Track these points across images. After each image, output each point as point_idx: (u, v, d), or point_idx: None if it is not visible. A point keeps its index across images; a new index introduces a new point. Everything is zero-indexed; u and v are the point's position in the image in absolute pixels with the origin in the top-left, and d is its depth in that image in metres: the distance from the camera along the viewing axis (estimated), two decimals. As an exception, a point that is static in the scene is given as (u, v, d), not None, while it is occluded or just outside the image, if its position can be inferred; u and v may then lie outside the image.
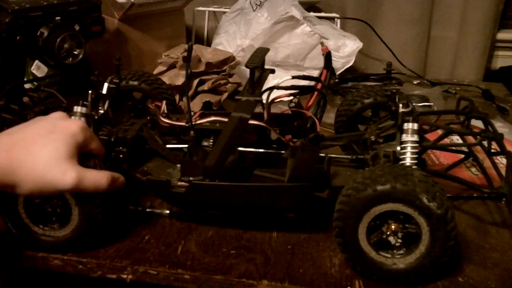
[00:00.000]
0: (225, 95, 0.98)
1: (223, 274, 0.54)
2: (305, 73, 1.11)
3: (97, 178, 0.53)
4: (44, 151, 0.51)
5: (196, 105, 0.94)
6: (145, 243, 0.59)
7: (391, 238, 0.52)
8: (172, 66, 1.01)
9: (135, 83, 0.76)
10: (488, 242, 0.59)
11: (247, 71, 0.57)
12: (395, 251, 0.52)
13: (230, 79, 1.00)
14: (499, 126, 0.87)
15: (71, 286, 0.65)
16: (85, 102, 0.63)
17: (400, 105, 0.60)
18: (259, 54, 0.63)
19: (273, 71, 0.67)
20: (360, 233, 0.51)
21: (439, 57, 1.33)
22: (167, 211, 0.64)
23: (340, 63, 1.12)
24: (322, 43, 0.73)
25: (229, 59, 1.01)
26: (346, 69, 1.13)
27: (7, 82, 0.84)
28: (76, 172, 0.51)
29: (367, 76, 1.22)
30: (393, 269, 0.52)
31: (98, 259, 0.56)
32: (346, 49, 1.12)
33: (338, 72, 1.12)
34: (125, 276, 0.55)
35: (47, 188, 0.51)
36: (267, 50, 0.66)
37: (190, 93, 0.96)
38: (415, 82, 1.22)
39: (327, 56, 0.69)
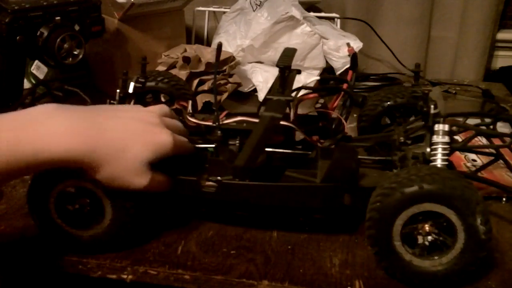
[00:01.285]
0: (225, 95, 0.98)
1: (223, 274, 0.54)
2: (305, 73, 1.11)
3: (162, 181, 0.56)
4: (133, 150, 0.52)
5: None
6: (145, 243, 0.59)
7: (419, 237, 0.51)
8: (172, 66, 1.00)
9: (171, 89, 0.75)
10: (488, 242, 0.59)
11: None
12: (418, 250, 0.51)
13: (230, 79, 1.00)
14: (499, 126, 0.87)
15: (71, 286, 0.65)
16: (112, 101, 0.64)
17: (432, 106, 0.60)
18: (289, 54, 0.62)
19: (299, 72, 0.67)
20: (400, 218, 0.50)
21: (439, 57, 1.33)
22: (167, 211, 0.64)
23: (340, 63, 1.11)
24: (348, 44, 0.73)
25: (229, 59, 1.01)
26: (346, 69, 1.13)
27: (7, 82, 0.84)
28: (150, 178, 0.54)
29: (367, 76, 1.22)
30: (405, 265, 0.51)
31: (98, 259, 0.56)
32: (346, 49, 1.12)
33: (338, 72, 1.12)
34: (125, 276, 0.55)
35: (119, 182, 0.53)
36: (295, 50, 0.66)
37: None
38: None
39: (353, 57, 0.68)
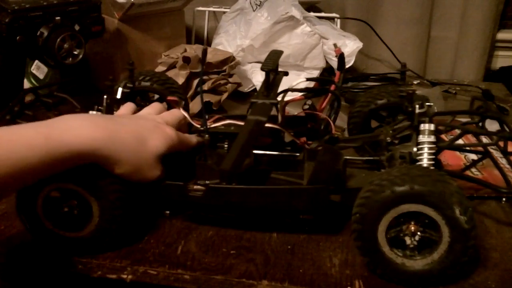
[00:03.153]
0: (225, 95, 0.98)
1: (223, 274, 0.54)
2: (305, 73, 1.11)
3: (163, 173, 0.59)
4: (150, 143, 0.56)
5: (196, 105, 0.94)
6: (145, 243, 0.59)
7: (407, 238, 0.51)
8: (172, 66, 1.01)
9: (159, 87, 0.75)
10: (488, 242, 0.59)
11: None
12: (407, 251, 0.52)
13: (230, 79, 1.00)
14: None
15: (71, 286, 0.65)
16: (100, 107, 0.64)
17: (417, 105, 0.60)
18: (273, 57, 0.63)
19: (286, 74, 0.67)
20: (381, 224, 0.51)
21: (439, 57, 1.33)
22: (167, 211, 0.64)
23: (340, 63, 1.12)
24: (335, 45, 0.73)
25: (229, 59, 1.01)
26: (346, 69, 1.13)
27: (7, 82, 0.84)
28: (161, 171, 0.58)
29: (367, 76, 1.22)
30: (400, 268, 0.51)
31: (98, 259, 0.56)
32: (346, 49, 1.12)
33: (338, 72, 1.12)
34: (125, 276, 0.55)
35: (138, 175, 0.56)
36: (281, 52, 0.66)
37: (190, 93, 0.96)
38: (415, 82, 1.22)
39: (340, 58, 0.68)
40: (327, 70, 1.14)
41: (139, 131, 0.57)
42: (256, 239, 0.60)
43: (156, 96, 0.76)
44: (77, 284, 0.61)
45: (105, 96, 0.65)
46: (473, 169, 0.74)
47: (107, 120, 0.56)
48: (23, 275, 0.58)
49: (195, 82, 0.96)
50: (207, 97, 0.95)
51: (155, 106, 0.66)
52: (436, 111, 0.81)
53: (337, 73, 0.68)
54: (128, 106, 0.66)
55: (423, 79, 1.24)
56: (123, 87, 0.69)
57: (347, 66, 1.13)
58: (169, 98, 0.70)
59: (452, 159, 0.75)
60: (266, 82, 0.59)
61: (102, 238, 0.56)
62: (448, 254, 0.50)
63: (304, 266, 0.55)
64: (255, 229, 0.61)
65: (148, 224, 0.62)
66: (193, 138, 0.63)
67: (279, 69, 0.68)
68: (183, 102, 0.71)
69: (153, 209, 0.64)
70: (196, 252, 0.57)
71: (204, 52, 0.63)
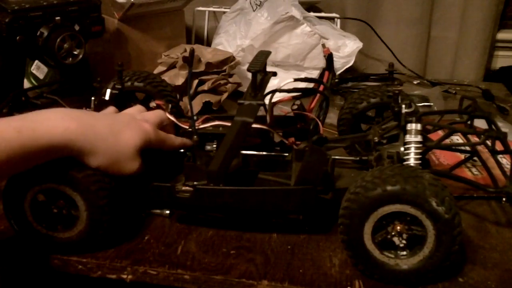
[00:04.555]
0: (225, 95, 0.98)
1: (223, 274, 0.54)
2: (305, 73, 1.11)
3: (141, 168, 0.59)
4: (125, 135, 0.57)
5: (196, 105, 0.94)
6: (145, 243, 0.59)
7: (395, 239, 0.51)
8: (172, 66, 1.01)
9: (141, 84, 0.75)
10: (488, 242, 0.59)
11: (247, 71, 0.57)
12: (398, 251, 0.52)
13: (230, 79, 1.00)
14: (499, 126, 0.87)
15: (71, 286, 0.65)
16: (88, 109, 0.64)
17: (403, 105, 0.60)
18: (261, 58, 0.63)
19: (275, 74, 0.67)
20: (365, 232, 0.51)
21: (439, 57, 1.33)
22: (167, 211, 0.64)
23: (340, 63, 1.11)
24: (323, 45, 0.73)
25: (229, 59, 1.01)
26: (346, 69, 1.13)
27: (7, 82, 0.84)
28: (139, 164, 0.58)
29: (367, 76, 1.22)
30: (395, 270, 0.52)
31: (98, 259, 0.56)
32: (346, 49, 1.12)
33: (338, 72, 1.12)
34: (125, 276, 0.55)
35: (114, 168, 0.56)
36: (269, 53, 0.66)
37: (190, 93, 0.96)
38: (415, 82, 1.22)
39: (329, 58, 0.68)
40: (327, 70, 1.14)
41: (114, 123, 0.57)
42: (256, 239, 0.60)
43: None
44: (77, 284, 0.61)
45: (92, 98, 0.65)
46: (473, 169, 0.74)
47: (81, 113, 0.57)
48: (23, 276, 0.58)
49: (195, 82, 0.96)
50: (207, 97, 0.95)
51: (137, 107, 0.66)
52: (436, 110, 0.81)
53: (326, 73, 0.68)
54: (110, 109, 0.66)
55: (423, 79, 1.24)
56: (112, 88, 0.69)
57: (347, 66, 1.13)
58: (157, 101, 0.70)
59: (451, 158, 0.75)
60: (253, 83, 0.59)
61: (96, 232, 0.56)
62: (437, 247, 0.50)
63: (304, 266, 0.55)
64: (255, 229, 0.61)
65: (148, 224, 0.62)
66: (176, 139, 0.63)
67: (279, 70, 0.68)
68: (170, 105, 0.71)
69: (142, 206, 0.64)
70: (196, 252, 0.57)
71: (192, 53, 0.63)
